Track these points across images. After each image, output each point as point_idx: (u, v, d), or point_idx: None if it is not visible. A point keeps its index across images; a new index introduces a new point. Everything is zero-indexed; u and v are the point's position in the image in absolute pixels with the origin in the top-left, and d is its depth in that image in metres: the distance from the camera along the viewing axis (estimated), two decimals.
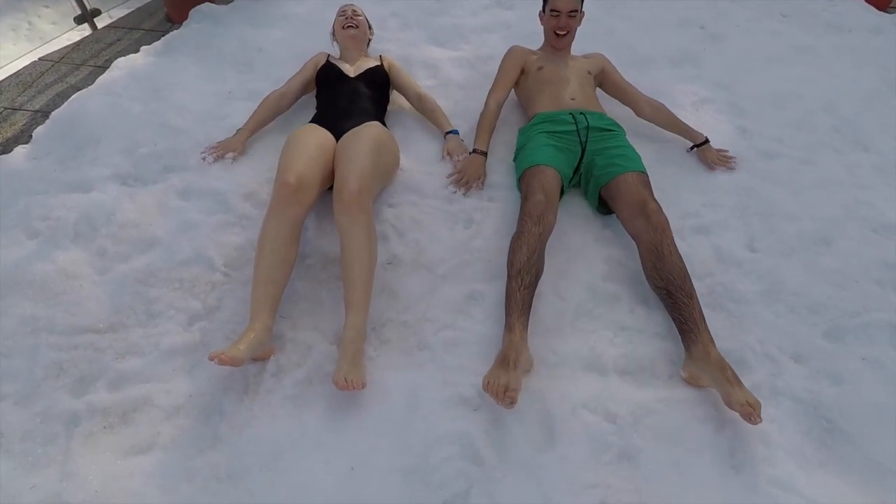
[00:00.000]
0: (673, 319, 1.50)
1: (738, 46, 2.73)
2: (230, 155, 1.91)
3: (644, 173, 1.79)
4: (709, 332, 1.43)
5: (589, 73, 2.10)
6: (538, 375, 1.42)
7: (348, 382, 1.23)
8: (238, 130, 1.97)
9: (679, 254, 1.56)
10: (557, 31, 2.06)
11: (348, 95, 1.93)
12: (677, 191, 1.98)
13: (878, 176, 2.09)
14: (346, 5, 2.23)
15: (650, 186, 1.75)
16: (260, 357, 1.37)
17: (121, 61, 2.31)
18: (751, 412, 1.23)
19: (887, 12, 3.15)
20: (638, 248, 1.64)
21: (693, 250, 1.78)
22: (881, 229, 1.88)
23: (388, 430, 1.28)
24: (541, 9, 2.12)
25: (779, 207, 1.93)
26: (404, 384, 1.38)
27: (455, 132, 2.07)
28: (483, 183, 1.92)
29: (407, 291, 1.62)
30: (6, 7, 4.42)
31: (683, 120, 2.16)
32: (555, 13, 2.04)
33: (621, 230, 1.78)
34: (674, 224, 1.83)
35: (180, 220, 1.72)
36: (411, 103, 2.16)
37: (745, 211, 1.92)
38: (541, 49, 2.20)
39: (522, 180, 1.79)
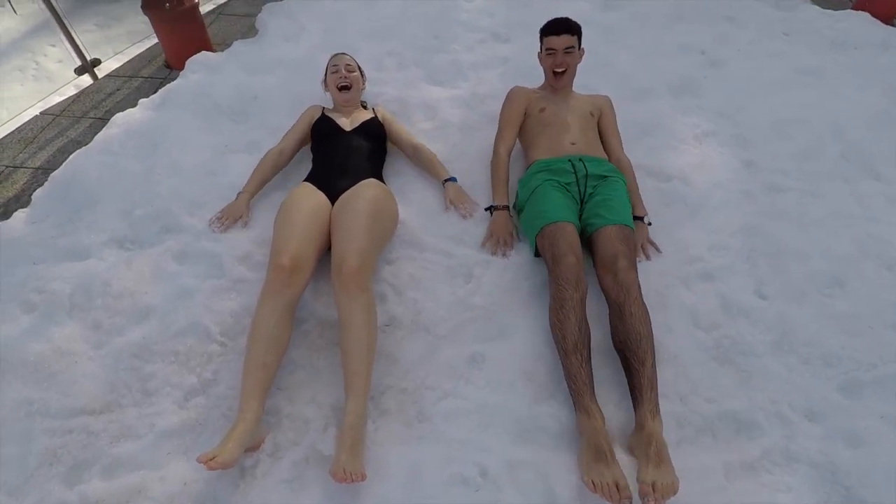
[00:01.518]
0: (627, 383, 1.45)
1: (739, 71, 2.67)
2: (240, 222, 1.89)
3: (626, 226, 1.70)
4: (654, 401, 1.35)
5: (591, 114, 2.05)
6: (540, 446, 1.37)
7: (347, 474, 1.20)
8: (239, 193, 1.95)
9: (643, 316, 1.47)
10: (555, 70, 2.01)
11: (344, 151, 1.91)
12: (682, 232, 1.93)
13: (890, 207, 2.02)
14: (338, 57, 2.16)
15: (630, 241, 1.66)
16: (252, 448, 1.34)
17: (119, 117, 2.32)
18: (647, 493, 1.16)
19: (893, 25, 3.08)
20: (608, 304, 1.58)
21: (699, 299, 1.73)
22: (894, 267, 1.82)
23: None
24: (539, 48, 2.08)
25: (787, 246, 1.88)
26: (404, 462, 1.34)
27: (453, 179, 2.04)
28: (518, 235, 1.89)
29: (406, 356, 1.58)
30: (12, 48, 4.51)
31: (685, 152, 2.13)
32: (550, 52, 2.00)
33: None
34: (679, 271, 1.81)
35: (175, 287, 1.71)
36: (407, 155, 2.13)
37: (753, 253, 1.87)
38: (542, 87, 2.14)
39: (542, 239, 1.69)
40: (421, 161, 2.08)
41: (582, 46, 2.04)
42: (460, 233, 1.91)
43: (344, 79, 2.09)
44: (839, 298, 1.74)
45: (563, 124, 1.98)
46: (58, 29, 2.87)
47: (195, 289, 1.70)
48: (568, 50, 1.97)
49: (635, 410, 1.37)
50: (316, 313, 1.67)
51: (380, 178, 1.92)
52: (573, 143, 1.93)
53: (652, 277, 1.75)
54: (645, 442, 1.27)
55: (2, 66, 4.15)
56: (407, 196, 2.02)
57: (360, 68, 2.20)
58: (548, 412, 1.44)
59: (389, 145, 2.14)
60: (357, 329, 1.43)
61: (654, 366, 1.40)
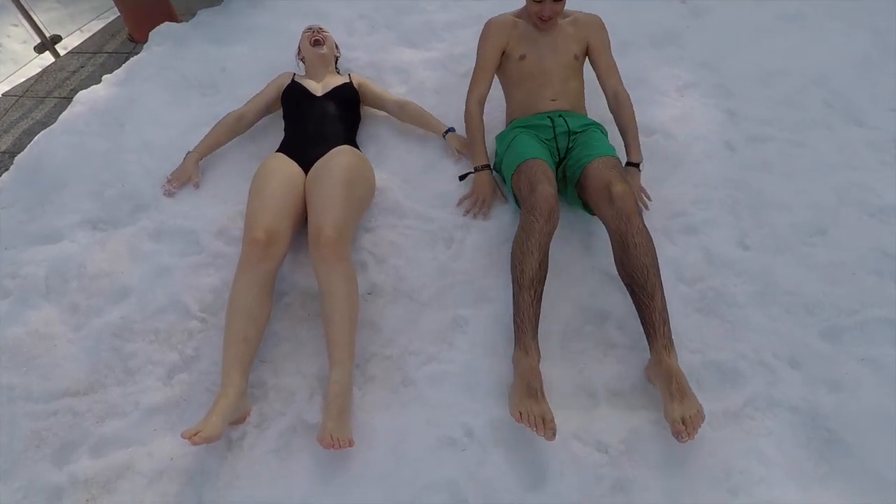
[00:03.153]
0: (638, 316, 1.44)
1: (722, 19, 2.60)
2: (191, 184, 1.87)
3: (612, 157, 1.66)
4: (668, 336, 1.36)
5: (576, 57, 1.87)
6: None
7: (334, 440, 1.20)
8: (188, 154, 1.91)
9: (646, 245, 1.43)
10: (541, 18, 1.80)
11: (317, 117, 1.86)
12: (664, 187, 1.91)
13: (872, 153, 2.01)
14: (311, 25, 2.14)
15: (618, 168, 1.62)
16: (237, 421, 1.34)
17: (83, 94, 2.24)
18: (680, 430, 1.20)
19: None
20: (609, 236, 1.53)
21: (683, 253, 1.72)
22: (877, 213, 1.82)
23: (376, 480, 1.26)
24: None
25: (770, 198, 1.87)
26: (390, 428, 1.35)
27: (453, 129, 2.00)
28: (503, 194, 1.85)
29: (389, 323, 1.58)
30: None
31: (667, 105, 2.09)
32: (538, 1, 1.77)
33: (606, 238, 1.72)
34: (662, 225, 1.79)
35: (153, 265, 1.68)
36: (393, 115, 2.07)
37: (736, 205, 1.85)
38: (522, 16, 1.90)
39: (517, 177, 1.65)
40: (411, 117, 2.04)
41: None
42: (440, 196, 1.88)
43: (317, 34, 2.05)
44: (821, 247, 1.74)
45: (545, 75, 1.84)
46: (13, 6, 2.74)
47: (173, 266, 1.67)
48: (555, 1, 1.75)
49: (650, 345, 1.37)
50: (297, 285, 1.66)
51: (353, 144, 1.87)
52: (553, 100, 1.84)
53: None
54: (665, 379, 1.28)
55: None
56: (384, 162, 1.98)
57: (334, 41, 2.17)
58: None
59: (368, 110, 2.09)
60: (338, 299, 1.41)
61: (663, 298, 1.39)
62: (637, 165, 1.82)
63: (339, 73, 2.15)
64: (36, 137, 2.09)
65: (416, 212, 1.84)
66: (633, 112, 1.85)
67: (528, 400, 1.25)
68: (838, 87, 2.25)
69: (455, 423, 1.33)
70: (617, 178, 1.53)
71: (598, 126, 1.85)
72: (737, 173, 1.95)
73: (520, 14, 1.91)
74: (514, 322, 1.40)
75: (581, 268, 1.68)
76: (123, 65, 2.40)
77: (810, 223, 1.79)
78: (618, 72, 1.92)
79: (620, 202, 1.48)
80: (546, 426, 1.21)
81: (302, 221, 1.66)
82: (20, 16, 2.73)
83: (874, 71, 2.32)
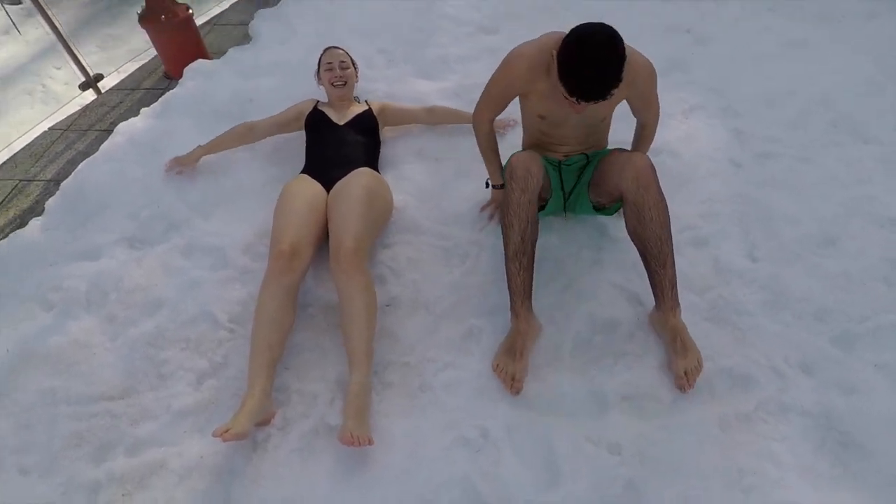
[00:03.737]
0: (647, 276, 1.54)
1: (726, 47, 2.71)
2: (185, 172, 2.11)
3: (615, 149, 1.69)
4: (675, 298, 1.48)
5: (604, 119, 1.68)
6: (538, 411, 1.42)
7: (354, 438, 1.26)
8: (196, 147, 2.12)
9: (662, 218, 1.47)
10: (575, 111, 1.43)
11: (336, 143, 1.97)
12: (672, 203, 1.94)
13: (880, 167, 2.05)
14: (331, 53, 2.17)
15: (625, 151, 1.64)
16: (262, 423, 1.40)
17: (122, 126, 2.41)
18: (682, 383, 1.40)
19: None
20: (624, 204, 1.55)
21: (691, 265, 1.76)
22: (887, 223, 1.85)
23: (394, 478, 1.30)
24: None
25: (778, 211, 1.91)
26: (408, 431, 1.40)
27: None
28: None
29: (407, 333, 1.64)
30: (20, 73, 4.65)
31: (673, 127, 2.18)
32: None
33: (618, 253, 1.78)
34: None
35: (184, 280, 1.78)
36: (425, 121, 2.27)
37: (744, 218, 1.90)
38: (549, 77, 1.47)
39: (508, 167, 1.56)
40: (443, 117, 2.25)
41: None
42: (455, 215, 1.97)
43: (339, 78, 2.11)
44: (831, 258, 1.77)
45: (563, 137, 1.68)
46: (63, 51, 2.97)
47: (203, 280, 1.77)
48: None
49: (656, 303, 1.51)
50: (320, 299, 1.74)
51: (374, 167, 1.98)
52: (567, 154, 1.73)
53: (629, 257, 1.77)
54: (670, 337, 1.45)
55: (10, 91, 4.29)
56: (402, 184, 2.08)
57: (353, 61, 2.24)
58: (546, 380, 1.48)
59: (389, 133, 2.21)
60: (356, 306, 1.49)
61: (673, 265, 1.48)
62: None
63: (357, 100, 2.26)
64: (79, 166, 2.25)
65: (433, 230, 1.93)
66: (652, 138, 1.82)
67: (506, 357, 1.44)
68: (844, 108, 2.31)
69: (470, 425, 1.37)
70: (639, 154, 1.55)
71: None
72: (744, 189, 2.00)
73: (549, 64, 1.45)
74: (508, 289, 1.52)
75: (592, 280, 1.73)
76: (160, 99, 2.58)
77: (819, 235, 1.82)
78: (658, 111, 1.73)
79: (641, 173, 1.47)
80: (514, 384, 1.40)
81: (324, 237, 1.75)
82: (67, 56, 2.95)
83: (879, 92, 2.38)
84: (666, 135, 2.23)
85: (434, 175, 2.13)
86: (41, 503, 1.30)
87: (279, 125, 2.15)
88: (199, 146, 2.12)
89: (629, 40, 1.25)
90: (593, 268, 1.76)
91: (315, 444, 1.39)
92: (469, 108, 2.36)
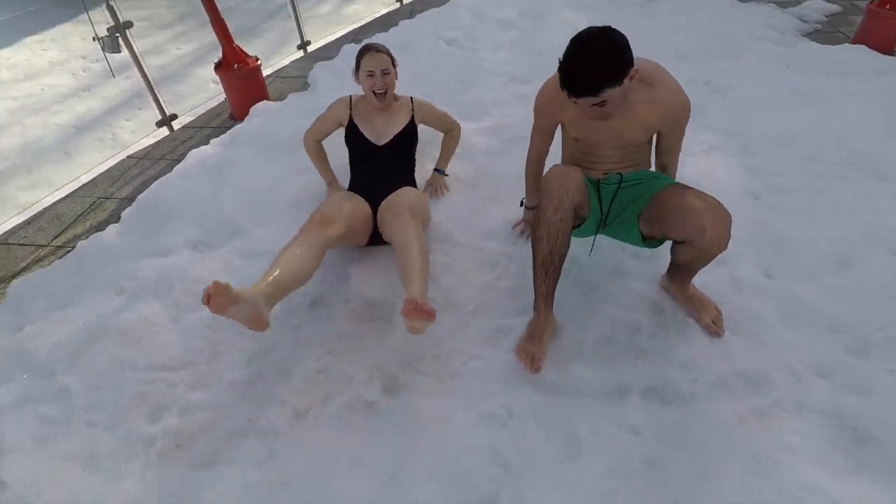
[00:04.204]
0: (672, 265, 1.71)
1: (743, 96, 2.92)
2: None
3: (683, 185, 1.59)
4: (690, 279, 1.70)
5: (639, 145, 1.66)
6: (562, 397, 1.51)
7: (419, 305, 1.39)
8: (328, 185, 2.29)
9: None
10: (595, 117, 1.49)
11: (380, 167, 2.11)
12: None
13: (891, 203, 2.14)
14: (372, 58, 2.04)
15: (704, 199, 1.50)
16: (254, 325, 1.47)
17: (194, 152, 2.73)
18: (715, 330, 1.66)
19: (893, 55, 3.29)
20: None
21: (710, 281, 1.85)
22: None
23: (424, 444, 1.40)
24: None
25: (793, 236, 2.00)
26: (437, 407, 1.50)
27: (441, 172, 2.36)
28: None
29: (439, 328, 1.76)
30: (95, 123, 5.22)
31: (693, 164, 2.31)
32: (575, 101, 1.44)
33: (641, 263, 1.90)
34: None
35: (242, 276, 1.97)
36: (439, 131, 2.41)
37: (760, 242, 2.00)
38: None
39: (542, 183, 1.60)
40: (443, 141, 2.40)
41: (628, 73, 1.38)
42: (488, 231, 2.14)
43: (381, 87, 2.05)
44: (846, 278, 1.84)
45: (600, 157, 1.70)
46: (130, 104, 3.39)
47: (257, 276, 1.95)
48: (597, 104, 1.41)
49: (677, 283, 1.73)
50: (361, 294, 1.90)
51: (413, 183, 2.18)
52: (606, 173, 1.72)
53: (662, 268, 1.88)
54: (690, 304, 1.72)
55: (84, 137, 4.85)
56: (439, 205, 2.27)
57: (393, 62, 2.11)
58: (568, 370, 1.58)
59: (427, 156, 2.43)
60: (411, 239, 1.69)
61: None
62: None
63: (398, 101, 2.21)
64: (154, 183, 2.54)
65: (467, 243, 2.10)
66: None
67: (528, 342, 1.62)
68: (858, 148, 2.44)
69: (497, 404, 1.48)
70: (718, 205, 1.47)
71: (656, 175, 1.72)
72: (760, 216, 2.12)
73: None
74: (534, 290, 1.65)
75: (615, 286, 1.84)
76: (228, 131, 2.91)
77: (834, 257, 1.91)
78: (679, 151, 1.69)
79: (720, 228, 1.45)
80: (533, 363, 1.57)
81: (354, 239, 1.95)
82: (150, 98, 3.36)
83: (891, 136, 2.51)
84: (685, 171, 2.37)
85: (470, 199, 2.33)
86: (103, 451, 1.44)
87: (329, 132, 2.29)
88: (327, 183, 2.29)
89: None
90: (618, 275, 1.88)
91: (352, 417, 1.51)
92: (503, 146, 2.63)
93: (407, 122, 2.19)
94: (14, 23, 8.03)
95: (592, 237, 1.81)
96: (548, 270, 1.58)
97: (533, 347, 1.58)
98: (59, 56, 7.13)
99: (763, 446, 1.36)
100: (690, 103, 1.58)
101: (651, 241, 1.70)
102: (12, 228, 2.62)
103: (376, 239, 2.05)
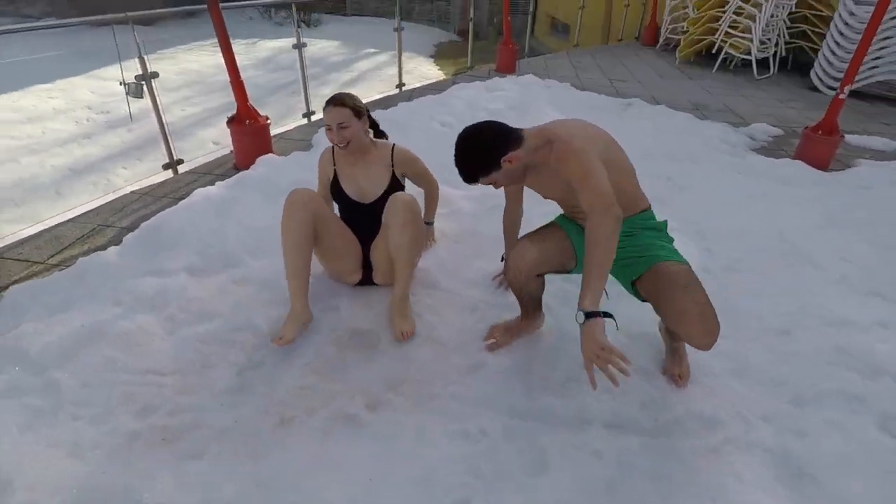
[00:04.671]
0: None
1: (699, 194, 3.30)
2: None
3: (683, 264, 1.64)
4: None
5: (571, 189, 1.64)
6: (532, 422, 1.63)
7: (405, 334, 1.91)
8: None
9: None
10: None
11: (367, 221, 2.12)
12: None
13: (826, 286, 2.43)
14: (329, 111, 1.99)
15: (697, 287, 1.58)
16: (304, 325, 1.91)
17: (199, 190, 2.91)
18: (678, 382, 1.81)
19: (828, 171, 3.80)
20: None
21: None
22: (835, 323, 2.16)
23: (401, 453, 1.48)
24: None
25: (742, 308, 2.24)
26: (415, 422, 1.60)
27: (430, 223, 2.53)
28: None
29: (421, 358, 1.89)
30: (92, 168, 5.40)
31: None
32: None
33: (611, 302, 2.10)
34: (640, 327, 2.14)
35: (235, 299, 2.09)
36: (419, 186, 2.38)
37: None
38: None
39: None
40: (425, 199, 2.45)
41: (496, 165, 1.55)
42: (470, 280, 2.32)
43: (339, 141, 2.00)
44: (786, 343, 2.06)
45: (569, 206, 1.82)
46: (130, 151, 3.61)
47: (251, 300, 2.08)
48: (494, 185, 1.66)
49: (670, 341, 1.90)
50: (348, 324, 2.02)
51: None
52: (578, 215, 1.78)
53: (630, 321, 2.07)
54: (673, 354, 1.88)
55: (79, 181, 5.02)
56: (425, 256, 2.47)
57: (357, 111, 2.02)
58: (538, 400, 1.71)
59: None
60: (404, 240, 1.91)
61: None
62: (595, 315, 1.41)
63: (375, 145, 2.14)
64: (161, 212, 2.69)
65: (450, 289, 2.27)
66: (605, 251, 1.42)
67: (501, 327, 1.97)
68: (797, 242, 2.78)
69: (472, 424, 1.58)
70: (699, 331, 1.51)
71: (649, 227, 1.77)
72: (712, 290, 2.31)
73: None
74: None
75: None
76: (233, 176, 3.12)
77: (777, 327, 2.14)
78: (589, 198, 1.47)
79: (698, 348, 1.56)
80: (491, 340, 1.92)
81: (342, 258, 2.13)
82: (163, 144, 3.59)
83: (824, 233, 2.88)
84: None
85: (455, 253, 2.54)
86: (87, 441, 1.47)
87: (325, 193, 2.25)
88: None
89: None
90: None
91: (333, 428, 1.58)
92: (488, 210, 2.89)
93: (389, 178, 2.12)
94: (27, 66, 8.40)
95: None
96: (524, 301, 1.85)
97: (500, 332, 1.94)
98: (64, 104, 7.43)
99: (716, 476, 1.48)
100: (577, 152, 1.51)
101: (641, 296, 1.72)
102: (8, 245, 2.68)
103: (367, 279, 2.20)
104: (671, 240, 1.83)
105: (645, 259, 1.66)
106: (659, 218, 1.90)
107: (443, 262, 2.47)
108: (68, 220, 2.91)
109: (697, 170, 3.67)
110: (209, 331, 1.92)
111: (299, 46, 4.42)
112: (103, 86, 7.90)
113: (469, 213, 2.89)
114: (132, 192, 3.29)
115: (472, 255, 2.53)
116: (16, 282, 2.33)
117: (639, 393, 1.77)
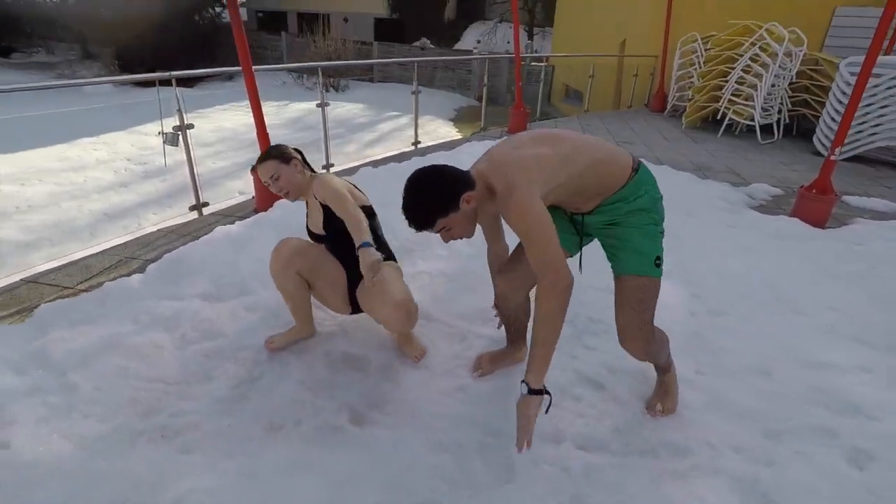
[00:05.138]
0: None
1: (692, 244, 3.42)
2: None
3: (638, 278, 1.68)
4: (661, 368, 1.96)
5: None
6: (505, 438, 1.71)
7: (418, 357, 2.11)
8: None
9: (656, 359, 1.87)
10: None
11: (334, 250, 2.13)
12: None
13: (809, 332, 2.49)
14: (259, 168, 2.04)
15: (644, 306, 1.69)
16: (306, 338, 2.16)
17: (220, 228, 3.15)
18: (654, 412, 1.89)
19: (823, 228, 3.90)
20: None
21: (645, 371, 2.14)
22: (814, 365, 2.22)
23: (377, 459, 1.58)
24: None
25: (724, 349, 2.32)
26: (393, 434, 1.70)
27: (366, 244, 1.81)
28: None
29: (408, 380, 2.01)
30: (122, 212, 5.79)
31: None
32: None
33: (591, 351, 2.20)
34: (620, 361, 2.24)
35: (244, 324, 2.26)
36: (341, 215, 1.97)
37: (695, 350, 2.31)
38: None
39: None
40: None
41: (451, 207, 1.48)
42: (459, 312, 2.46)
43: (279, 191, 2.05)
44: (764, 382, 2.12)
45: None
46: (177, 194, 3.93)
47: (257, 326, 2.25)
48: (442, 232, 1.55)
49: (660, 376, 1.99)
50: (339, 348, 2.16)
51: (380, 242, 2.12)
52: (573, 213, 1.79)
53: (609, 354, 2.18)
54: (661, 386, 1.96)
55: (111, 225, 5.37)
56: (418, 292, 2.63)
57: (283, 157, 2.02)
58: (513, 419, 1.79)
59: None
60: (396, 328, 2.05)
61: (666, 362, 1.92)
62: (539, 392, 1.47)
63: (313, 179, 2.10)
64: (183, 246, 2.93)
65: (441, 319, 2.41)
66: (550, 329, 1.45)
67: (486, 356, 2.10)
68: (785, 291, 2.86)
69: (448, 437, 1.68)
70: (624, 341, 1.72)
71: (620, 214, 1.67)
72: (697, 330, 2.45)
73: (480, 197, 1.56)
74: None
75: (561, 356, 2.11)
76: (252, 217, 3.38)
77: (756, 367, 2.21)
78: (532, 254, 1.48)
79: (631, 354, 1.77)
80: (476, 367, 2.07)
81: (329, 289, 2.14)
82: (180, 195, 3.90)
83: (815, 284, 2.95)
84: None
85: (447, 288, 2.69)
86: (94, 434, 1.61)
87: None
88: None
89: None
90: (571, 360, 2.16)
91: (318, 437, 1.70)
92: (482, 249, 3.05)
93: (321, 209, 2.04)
94: (75, 118, 9.12)
95: (578, 256, 1.83)
96: (508, 330, 1.99)
97: (486, 362, 2.07)
98: (106, 156, 8.03)
99: (680, 498, 1.54)
100: (517, 207, 1.44)
101: None
102: (42, 272, 2.93)
103: (357, 308, 2.32)
104: (660, 215, 1.78)
105: (617, 261, 1.71)
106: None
107: (436, 295, 2.62)
108: (98, 252, 3.17)
109: (693, 221, 3.81)
110: (215, 348, 2.08)
111: (322, 105, 4.82)
112: (143, 140, 8.53)
113: (466, 254, 3.06)
114: (158, 230, 3.57)
115: (464, 291, 2.67)
116: (46, 302, 2.54)
117: (614, 419, 1.85)
